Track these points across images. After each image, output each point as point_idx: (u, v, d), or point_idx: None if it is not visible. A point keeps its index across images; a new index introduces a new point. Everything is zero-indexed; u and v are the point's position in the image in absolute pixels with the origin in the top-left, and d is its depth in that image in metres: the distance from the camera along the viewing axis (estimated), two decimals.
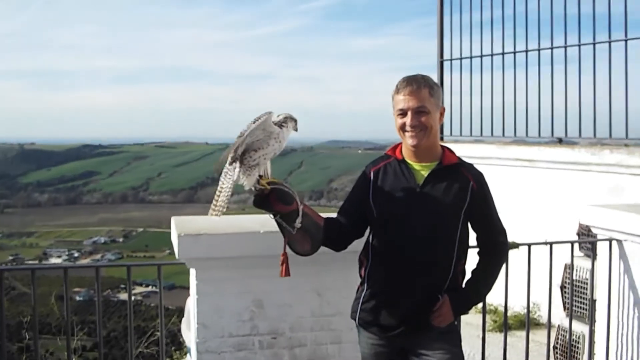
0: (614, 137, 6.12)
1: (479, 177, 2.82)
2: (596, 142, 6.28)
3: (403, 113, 2.73)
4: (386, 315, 2.78)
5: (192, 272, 3.23)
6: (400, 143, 2.87)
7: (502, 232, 2.90)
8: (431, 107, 2.72)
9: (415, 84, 2.72)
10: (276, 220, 2.70)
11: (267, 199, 2.64)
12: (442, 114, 2.83)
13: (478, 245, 2.91)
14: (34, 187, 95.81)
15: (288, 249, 2.76)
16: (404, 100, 2.72)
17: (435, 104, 2.75)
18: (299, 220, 2.66)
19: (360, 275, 2.93)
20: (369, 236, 2.91)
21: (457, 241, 2.76)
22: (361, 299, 2.87)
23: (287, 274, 2.76)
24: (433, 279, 2.75)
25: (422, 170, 2.80)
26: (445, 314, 2.76)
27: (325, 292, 3.31)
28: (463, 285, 2.86)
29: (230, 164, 2.61)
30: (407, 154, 2.83)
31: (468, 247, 2.87)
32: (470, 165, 2.87)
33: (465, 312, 2.92)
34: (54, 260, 60.57)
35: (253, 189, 2.64)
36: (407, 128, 2.72)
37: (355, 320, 2.90)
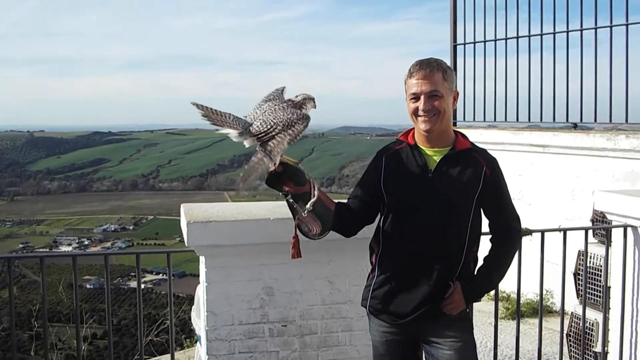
0: (630, 122, 6.08)
1: (492, 163, 2.79)
2: (612, 127, 6.23)
3: (416, 97, 2.71)
4: (397, 302, 2.76)
5: (202, 259, 3.25)
6: (413, 128, 2.85)
7: (516, 218, 2.87)
8: (444, 91, 2.70)
9: (428, 67, 2.69)
10: (287, 201, 2.66)
11: (279, 177, 2.60)
12: (455, 99, 2.80)
13: (491, 232, 2.89)
14: (44, 175, 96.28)
15: (299, 233, 2.74)
16: (417, 84, 2.70)
17: (449, 88, 2.72)
18: (311, 202, 2.62)
19: (371, 263, 2.92)
20: (379, 222, 2.89)
21: (469, 227, 2.74)
22: (372, 286, 2.85)
23: (299, 255, 2.74)
24: (444, 265, 2.73)
25: (434, 155, 2.78)
26: (457, 301, 2.73)
27: (335, 279, 3.32)
28: (475, 273, 2.84)
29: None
30: (419, 139, 2.81)
31: (481, 234, 2.86)
32: (484, 151, 2.85)
33: (477, 299, 2.91)
34: (64, 248, 61.05)
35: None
36: (420, 112, 2.70)
37: (365, 307, 2.90)
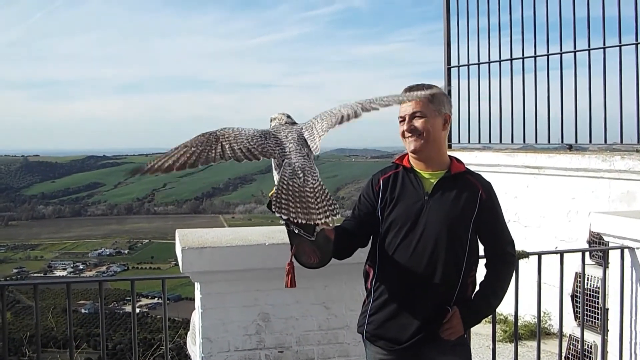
0: (625, 142, 6.10)
1: (487, 187, 2.81)
2: (606, 148, 6.25)
3: (402, 120, 2.79)
4: (394, 328, 2.74)
5: (197, 285, 3.23)
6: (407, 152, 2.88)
7: (510, 242, 2.88)
8: (428, 112, 2.74)
9: (414, 90, 2.74)
10: (288, 228, 2.63)
11: None
12: (446, 121, 2.82)
13: (486, 256, 2.88)
14: (38, 200, 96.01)
15: (295, 261, 2.71)
16: (403, 107, 2.77)
17: (435, 110, 2.76)
18: (316, 232, 2.58)
19: (366, 288, 2.90)
20: (374, 246, 2.87)
21: (467, 251, 2.73)
22: (368, 312, 2.83)
23: (293, 284, 2.68)
24: (442, 289, 2.72)
25: (430, 178, 2.80)
26: (455, 326, 2.72)
27: (331, 305, 3.30)
28: (473, 297, 2.83)
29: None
30: (414, 163, 2.84)
31: (478, 257, 2.85)
32: (479, 175, 2.87)
33: (475, 324, 2.89)
34: (59, 273, 60.68)
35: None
36: (405, 134, 2.77)
37: (362, 334, 2.87)
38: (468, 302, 2.78)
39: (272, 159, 2.65)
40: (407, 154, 2.88)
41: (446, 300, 2.73)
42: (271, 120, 2.88)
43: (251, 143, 2.59)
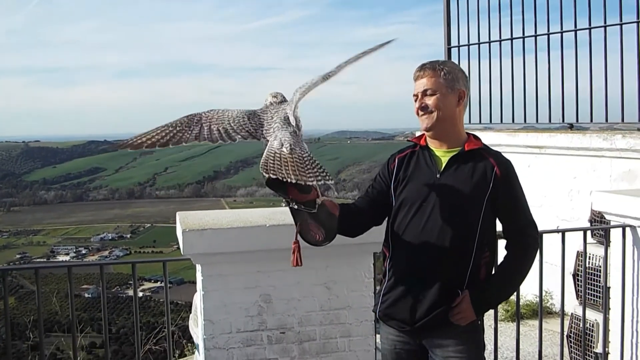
0: (626, 121, 6.08)
1: (505, 164, 2.70)
2: (608, 127, 6.23)
3: (415, 97, 2.75)
4: (405, 308, 2.68)
5: (198, 267, 3.23)
6: None
7: (531, 224, 2.75)
8: (439, 88, 2.68)
9: (424, 68, 2.72)
10: (290, 207, 2.59)
11: (283, 183, 2.46)
12: (461, 97, 2.74)
13: (505, 237, 2.76)
14: (40, 185, 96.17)
15: (301, 240, 2.67)
16: (416, 86, 2.74)
17: (448, 86, 2.69)
18: (315, 206, 2.56)
19: (384, 268, 2.86)
20: (388, 226, 2.83)
21: (479, 230, 2.63)
22: (382, 291, 2.80)
23: (299, 263, 2.64)
24: (451, 270, 2.63)
25: (443, 156, 2.74)
26: (465, 311, 2.62)
27: (333, 285, 3.29)
28: (487, 281, 2.73)
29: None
30: (429, 141, 2.80)
31: (494, 238, 2.77)
32: (497, 152, 2.77)
33: (487, 310, 2.80)
34: (61, 258, 60.92)
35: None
36: (418, 112, 2.74)
37: (375, 313, 2.85)
38: (480, 286, 2.68)
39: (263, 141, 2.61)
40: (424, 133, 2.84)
41: (457, 282, 2.64)
42: (265, 101, 2.84)
43: (232, 124, 2.59)
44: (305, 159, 2.43)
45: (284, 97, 2.82)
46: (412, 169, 2.76)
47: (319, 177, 2.36)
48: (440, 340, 2.69)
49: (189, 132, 2.56)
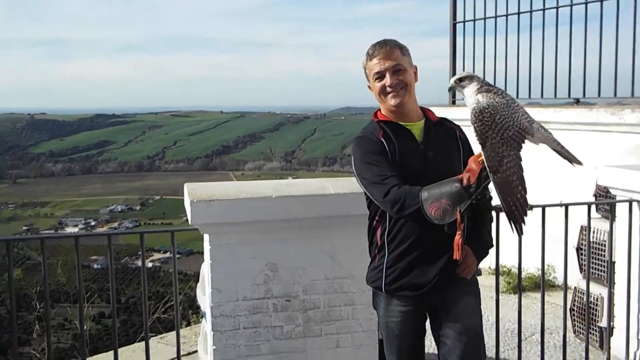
0: (636, 95, 6.01)
1: (459, 127, 2.93)
2: (616, 102, 6.18)
3: (381, 76, 2.77)
4: (416, 274, 2.75)
5: (206, 237, 3.27)
6: (378, 110, 2.89)
7: None
8: (406, 65, 2.78)
9: (386, 45, 2.77)
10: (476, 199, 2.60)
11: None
12: (415, 73, 2.85)
13: None
14: (47, 157, 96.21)
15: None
16: (379, 63, 2.76)
17: (409, 63, 2.80)
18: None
19: (375, 242, 2.87)
20: None
21: None
22: (384, 264, 2.81)
23: (460, 257, 2.67)
24: (451, 230, 2.69)
25: (413, 128, 2.82)
26: (471, 264, 2.80)
27: (337, 255, 3.33)
28: (475, 232, 2.87)
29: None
30: (392, 117, 2.83)
31: None
32: (449, 120, 2.96)
33: (485, 257, 2.94)
34: (70, 230, 61.13)
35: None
36: (388, 89, 2.76)
37: (380, 288, 2.84)
38: (474, 238, 2.84)
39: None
40: (377, 111, 2.89)
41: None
42: (461, 80, 2.67)
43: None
44: None
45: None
46: (398, 144, 2.76)
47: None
48: (450, 296, 2.80)
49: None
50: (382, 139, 2.78)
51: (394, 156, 2.76)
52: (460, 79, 2.64)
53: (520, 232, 2.46)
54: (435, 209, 2.52)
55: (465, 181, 2.49)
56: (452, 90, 2.56)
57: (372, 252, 2.92)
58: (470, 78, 2.61)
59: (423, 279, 2.75)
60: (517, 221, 2.42)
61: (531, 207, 4.07)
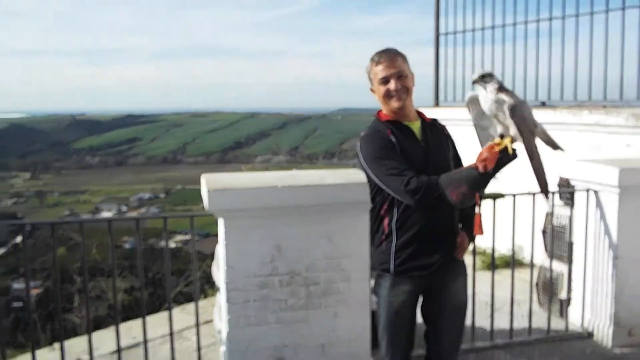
0: (593, 99, 6.05)
1: (445, 127, 2.93)
2: (576, 105, 6.20)
3: (386, 81, 2.72)
4: (421, 258, 2.72)
5: (221, 221, 3.24)
6: (379, 111, 2.84)
7: None
8: (407, 72, 2.75)
9: (391, 53, 2.74)
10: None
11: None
12: (413, 79, 2.81)
13: None
14: (86, 152, 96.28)
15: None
16: (384, 69, 2.71)
17: (409, 69, 2.77)
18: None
19: (382, 229, 2.78)
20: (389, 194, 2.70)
21: None
22: (392, 249, 2.74)
23: (481, 232, 2.76)
24: (451, 218, 2.80)
25: (413, 128, 2.78)
26: (466, 247, 2.86)
27: (335, 237, 3.30)
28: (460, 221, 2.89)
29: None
30: (395, 118, 2.78)
31: None
32: (438, 120, 2.93)
33: (472, 241, 2.97)
34: (104, 214, 61.06)
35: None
36: (392, 93, 2.71)
37: (388, 270, 2.77)
38: (464, 225, 2.88)
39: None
40: (380, 112, 2.84)
41: (455, 226, 2.83)
42: (484, 77, 2.53)
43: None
44: None
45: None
46: (405, 141, 2.71)
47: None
48: (447, 276, 2.81)
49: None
50: (391, 136, 2.71)
51: (401, 152, 2.69)
52: (484, 76, 2.52)
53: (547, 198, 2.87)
54: (456, 194, 2.49)
55: (482, 169, 2.45)
56: (475, 83, 2.48)
57: (377, 239, 2.83)
58: (491, 76, 2.53)
59: (429, 260, 2.73)
60: (547, 193, 2.49)
61: (503, 195, 4.07)
